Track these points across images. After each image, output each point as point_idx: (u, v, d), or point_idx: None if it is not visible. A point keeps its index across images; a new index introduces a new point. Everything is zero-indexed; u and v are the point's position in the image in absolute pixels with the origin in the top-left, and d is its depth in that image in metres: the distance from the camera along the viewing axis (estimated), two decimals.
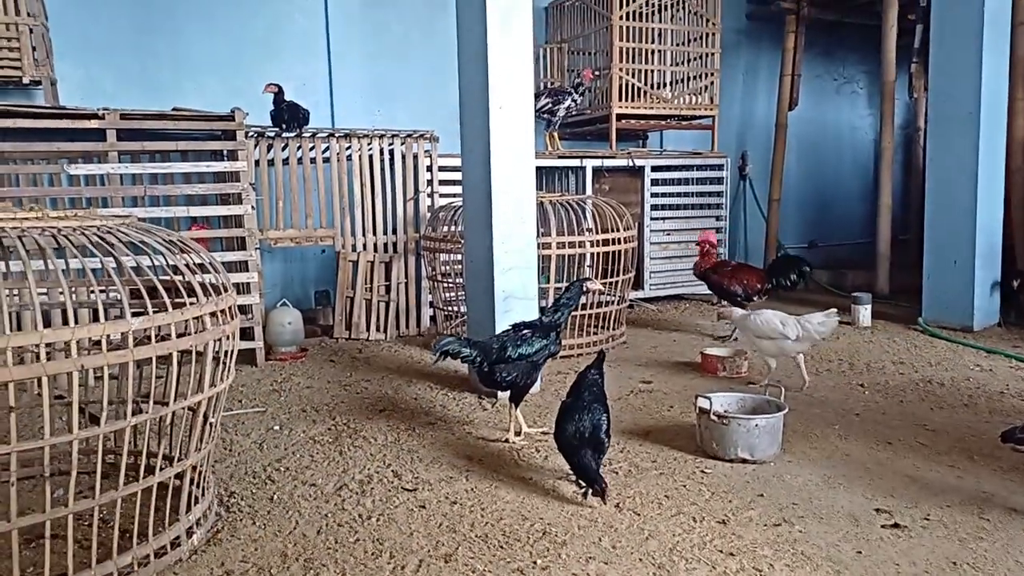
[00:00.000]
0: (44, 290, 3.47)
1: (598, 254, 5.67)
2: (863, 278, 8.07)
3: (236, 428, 3.99)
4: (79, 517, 2.29)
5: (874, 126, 9.77)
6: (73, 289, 2.38)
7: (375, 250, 6.28)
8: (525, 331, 3.70)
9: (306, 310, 6.14)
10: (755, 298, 5.79)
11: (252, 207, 5.28)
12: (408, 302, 6.29)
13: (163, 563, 2.49)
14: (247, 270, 5.28)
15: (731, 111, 9.00)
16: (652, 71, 7.62)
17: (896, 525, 2.77)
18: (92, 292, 2.74)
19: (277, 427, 4.01)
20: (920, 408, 4.20)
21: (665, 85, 7.80)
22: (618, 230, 5.69)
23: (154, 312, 2.33)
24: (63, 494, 2.35)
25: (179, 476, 2.63)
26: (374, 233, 6.31)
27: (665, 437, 3.73)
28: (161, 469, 2.51)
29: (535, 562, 2.52)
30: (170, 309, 2.40)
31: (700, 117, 7.99)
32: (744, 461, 3.33)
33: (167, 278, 2.59)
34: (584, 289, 4.04)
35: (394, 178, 6.34)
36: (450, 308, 5.95)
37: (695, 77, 7.85)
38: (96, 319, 2.31)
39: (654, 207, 7.50)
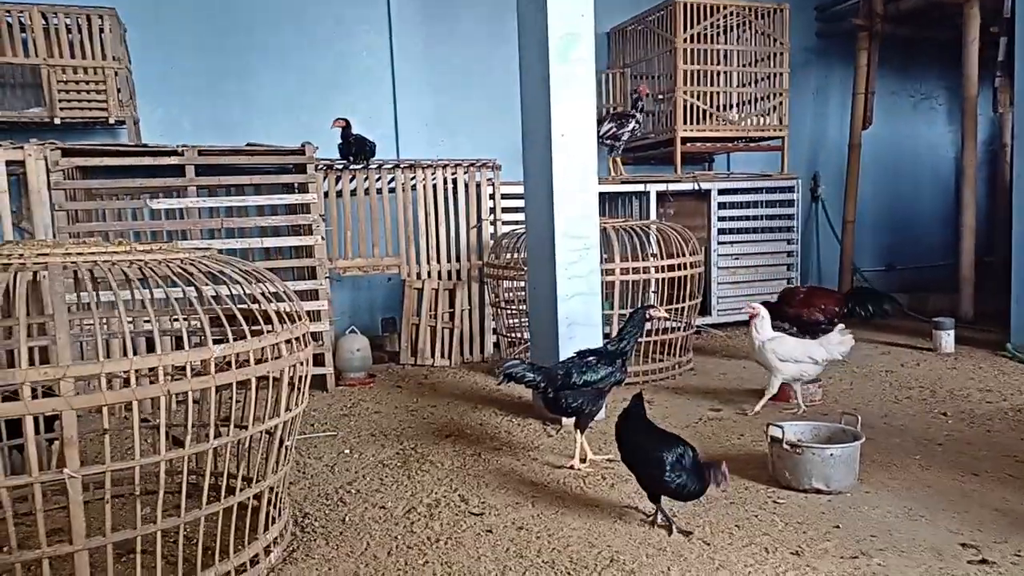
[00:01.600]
0: (131, 319, 3.66)
1: (663, 279, 5.62)
2: (945, 302, 7.73)
3: (308, 451, 4.10)
4: (164, 534, 2.40)
5: (955, 143, 9.40)
6: (158, 318, 2.51)
7: (439, 278, 6.39)
8: (590, 358, 3.70)
9: (373, 337, 6.28)
10: (836, 321, 5.61)
11: (322, 238, 5.46)
12: (472, 329, 6.36)
13: None
14: (318, 298, 5.45)
15: (802, 131, 8.83)
16: (718, 93, 7.56)
17: (984, 561, 2.63)
18: (175, 320, 2.88)
19: (348, 451, 4.10)
20: (1009, 438, 3.98)
21: (732, 107, 7.71)
22: (684, 255, 5.64)
23: (234, 340, 2.44)
24: (151, 512, 2.46)
25: (257, 497, 2.72)
26: (438, 261, 6.42)
27: (736, 466, 3.63)
28: (240, 490, 2.60)
29: None
30: (249, 337, 2.50)
31: (769, 138, 7.87)
32: (819, 492, 3.23)
33: (245, 307, 2.71)
34: (648, 316, 4.02)
35: (457, 207, 6.46)
36: (514, 335, 5.99)
37: (763, 98, 7.74)
38: (180, 347, 2.44)
39: (721, 231, 7.40)
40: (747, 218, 7.52)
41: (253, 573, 2.64)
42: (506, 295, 6.03)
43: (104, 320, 3.64)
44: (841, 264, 8.50)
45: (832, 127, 9.11)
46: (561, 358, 4.03)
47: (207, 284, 2.64)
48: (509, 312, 6.01)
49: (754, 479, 3.46)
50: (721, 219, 7.38)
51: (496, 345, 6.40)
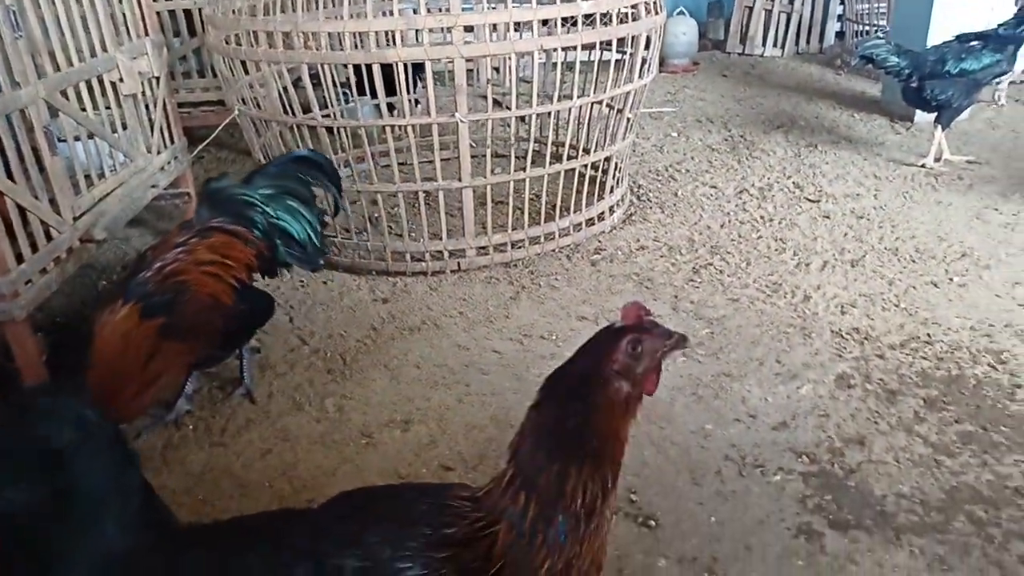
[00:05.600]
0: None
1: None
2: None
3: (638, 132, 4.22)
4: (530, 188, 2.74)
5: None
6: None
7: None
8: (974, 42, 3.18)
9: (697, 22, 5.94)
10: None
11: None
12: (813, 14, 5.71)
13: (591, 231, 2.91)
14: None
15: None
16: None
17: None
18: None
19: (674, 134, 4.17)
20: None
21: None
22: None
23: None
24: (519, 168, 2.80)
25: (605, 163, 2.95)
26: None
27: None
28: (592, 153, 2.83)
29: (951, 279, 2.43)
30: None
31: None
32: None
33: None
34: None
35: None
36: (864, 22, 5.27)
37: None
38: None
39: None
40: None
41: (600, 227, 2.95)
42: None
43: None
44: None
45: None
46: (929, 44, 3.51)
47: None
48: None
49: None
50: None
51: (839, 35, 5.73)
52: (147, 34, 2.83)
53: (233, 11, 2.60)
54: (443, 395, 2.00)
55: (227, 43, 2.65)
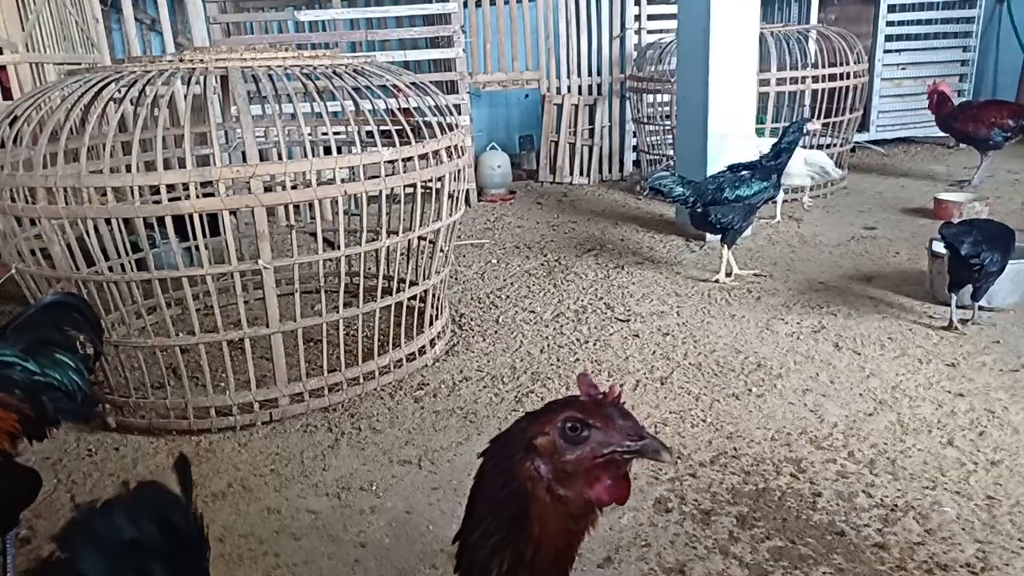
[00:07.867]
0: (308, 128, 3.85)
1: (821, 91, 5.21)
2: None
3: (459, 260, 4.32)
4: (344, 325, 2.67)
5: None
6: (328, 126, 2.64)
7: (579, 92, 6.21)
8: (744, 172, 3.58)
9: (511, 155, 6.31)
10: (1011, 137, 5.09)
11: (463, 50, 5.38)
12: (612, 146, 6.24)
13: (413, 367, 2.86)
14: (459, 114, 5.46)
15: None
16: None
17: None
18: (347, 126, 3.01)
19: (495, 260, 4.29)
20: None
21: None
22: (847, 63, 5.17)
23: (400, 145, 2.54)
24: (331, 306, 2.73)
25: (422, 297, 2.95)
26: (579, 75, 6.21)
27: (890, 283, 3.55)
28: (408, 289, 2.81)
29: (750, 390, 2.60)
30: (413, 143, 2.59)
31: None
32: (980, 308, 3.10)
33: (405, 111, 2.78)
34: (804, 131, 3.80)
35: (600, 15, 6.12)
36: (655, 152, 5.84)
37: None
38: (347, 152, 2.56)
39: (889, 37, 6.67)
40: (919, 22, 6.72)
41: (421, 361, 2.91)
42: (648, 110, 5.82)
43: (286, 129, 3.85)
44: (1022, 76, 7.51)
45: None
46: (708, 172, 3.92)
47: (371, 90, 2.71)
48: (651, 128, 5.82)
49: (909, 295, 3.37)
50: (890, 24, 6.63)
51: (636, 163, 6.29)
52: None
53: (10, 164, 2.40)
54: (248, 572, 1.80)
55: (2, 198, 2.43)
